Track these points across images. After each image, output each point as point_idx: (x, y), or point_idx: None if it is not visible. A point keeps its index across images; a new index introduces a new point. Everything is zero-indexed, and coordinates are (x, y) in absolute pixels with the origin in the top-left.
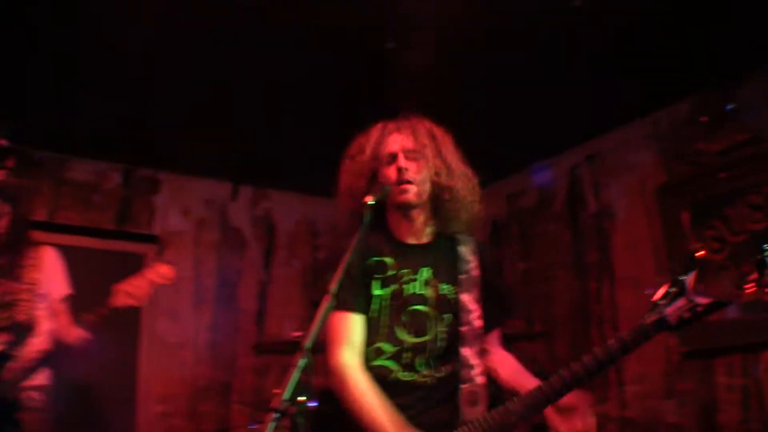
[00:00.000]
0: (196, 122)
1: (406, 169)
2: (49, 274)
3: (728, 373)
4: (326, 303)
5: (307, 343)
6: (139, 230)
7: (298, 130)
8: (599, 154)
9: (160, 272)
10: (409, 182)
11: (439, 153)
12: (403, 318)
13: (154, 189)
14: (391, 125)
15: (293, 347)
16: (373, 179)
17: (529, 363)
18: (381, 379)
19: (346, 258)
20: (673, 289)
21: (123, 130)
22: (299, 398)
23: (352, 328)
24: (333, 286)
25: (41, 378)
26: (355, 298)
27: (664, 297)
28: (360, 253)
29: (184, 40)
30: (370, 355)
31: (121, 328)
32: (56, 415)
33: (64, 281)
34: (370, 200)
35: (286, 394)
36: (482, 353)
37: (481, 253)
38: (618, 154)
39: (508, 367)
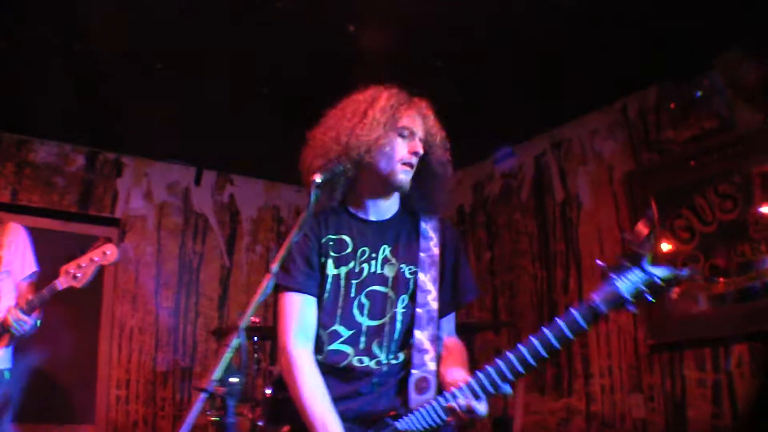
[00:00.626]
0: (160, 106)
1: (418, 155)
2: (14, 251)
3: (698, 367)
4: (266, 282)
5: (242, 323)
6: (102, 213)
7: (262, 115)
8: (565, 141)
9: (105, 253)
10: (411, 167)
11: (437, 142)
12: (362, 299)
13: (117, 172)
14: (413, 101)
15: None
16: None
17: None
18: (335, 363)
19: (291, 236)
20: (627, 263)
21: (87, 112)
22: (231, 379)
23: (304, 310)
24: (274, 265)
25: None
26: (307, 279)
27: (617, 270)
28: (316, 230)
29: (150, 21)
30: (326, 338)
31: (83, 312)
32: (14, 398)
33: (29, 258)
34: (317, 178)
35: (216, 375)
36: (436, 339)
37: (443, 230)
38: (585, 141)
39: (449, 359)
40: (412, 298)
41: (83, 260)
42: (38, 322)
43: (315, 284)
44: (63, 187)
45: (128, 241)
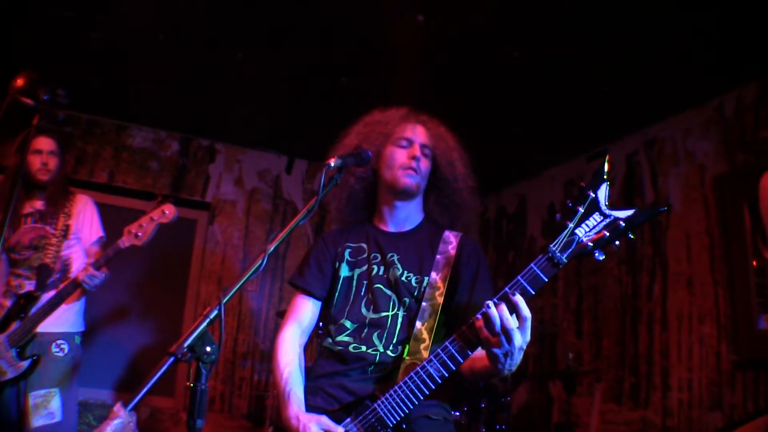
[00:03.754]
0: (254, 96)
1: (419, 158)
2: (82, 220)
3: None
4: (259, 260)
5: (224, 298)
6: (193, 197)
7: (350, 105)
8: (658, 140)
9: (164, 212)
10: (414, 170)
11: (447, 156)
12: (369, 296)
13: (210, 158)
14: (412, 114)
15: None
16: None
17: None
18: (340, 351)
19: (296, 219)
20: (582, 208)
21: (182, 101)
22: (207, 348)
23: (303, 308)
24: (271, 246)
25: (68, 324)
26: (315, 281)
27: (570, 217)
28: (337, 239)
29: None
30: (334, 331)
31: (170, 289)
32: (82, 362)
33: (96, 225)
34: (332, 162)
35: (187, 342)
36: (432, 330)
37: (463, 241)
38: (677, 141)
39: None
40: (417, 299)
41: (144, 220)
42: (105, 276)
43: (321, 287)
44: (157, 171)
45: (217, 224)
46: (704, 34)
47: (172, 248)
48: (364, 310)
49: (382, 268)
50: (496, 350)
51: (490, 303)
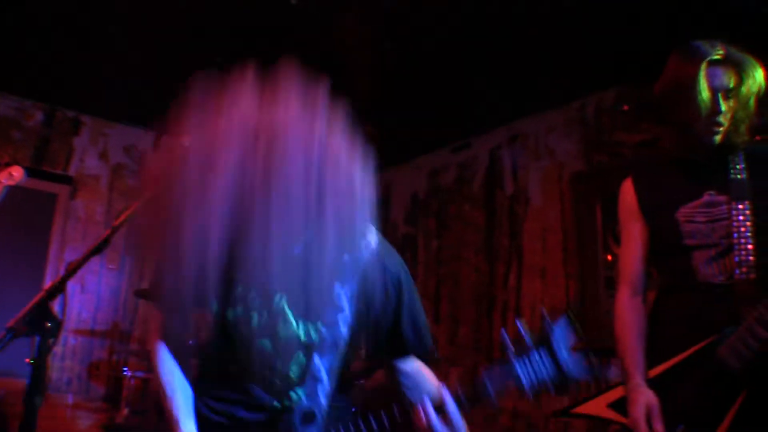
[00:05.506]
0: (122, 68)
1: None
2: None
3: None
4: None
5: (67, 274)
6: (55, 170)
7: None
8: (522, 136)
9: (11, 174)
10: None
11: None
12: None
13: (74, 130)
14: None
15: None
16: None
17: None
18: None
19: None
20: (535, 345)
21: (49, 69)
22: (48, 324)
23: None
24: (117, 222)
25: None
26: None
27: (521, 350)
28: None
29: None
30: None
31: (28, 260)
32: None
33: None
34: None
35: (27, 317)
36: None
37: None
38: (540, 137)
39: None
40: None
41: None
42: None
43: None
44: (19, 141)
45: (79, 199)
46: (572, 40)
47: (30, 223)
48: None
49: None
50: None
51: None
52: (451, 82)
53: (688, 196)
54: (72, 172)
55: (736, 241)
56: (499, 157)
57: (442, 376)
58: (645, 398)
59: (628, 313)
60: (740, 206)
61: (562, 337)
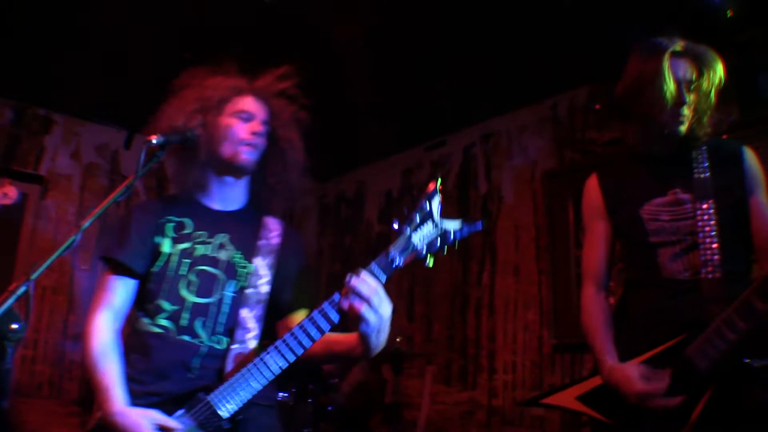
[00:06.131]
0: (95, 66)
1: (261, 134)
2: None
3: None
4: (72, 236)
5: (34, 274)
6: (25, 169)
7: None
8: (495, 134)
9: (5, 194)
10: (254, 147)
11: (284, 135)
12: (190, 277)
13: (45, 129)
14: (252, 85)
15: None
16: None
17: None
18: (160, 335)
19: (112, 195)
20: (418, 217)
21: (19, 66)
22: (12, 326)
23: (119, 288)
24: (85, 222)
25: None
26: (133, 256)
27: (407, 224)
28: (159, 211)
29: None
30: (150, 311)
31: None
32: None
33: None
34: (153, 139)
35: None
36: (261, 319)
37: (287, 230)
38: (513, 136)
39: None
40: (243, 283)
41: None
42: None
43: (143, 263)
44: None
45: (50, 199)
46: (544, 38)
47: None
48: (184, 292)
49: (209, 248)
50: (366, 328)
51: (350, 276)
52: (425, 80)
53: (652, 194)
54: (43, 171)
55: (701, 240)
56: (473, 156)
57: (418, 373)
58: (630, 371)
59: (594, 307)
60: (704, 206)
61: (438, 207)
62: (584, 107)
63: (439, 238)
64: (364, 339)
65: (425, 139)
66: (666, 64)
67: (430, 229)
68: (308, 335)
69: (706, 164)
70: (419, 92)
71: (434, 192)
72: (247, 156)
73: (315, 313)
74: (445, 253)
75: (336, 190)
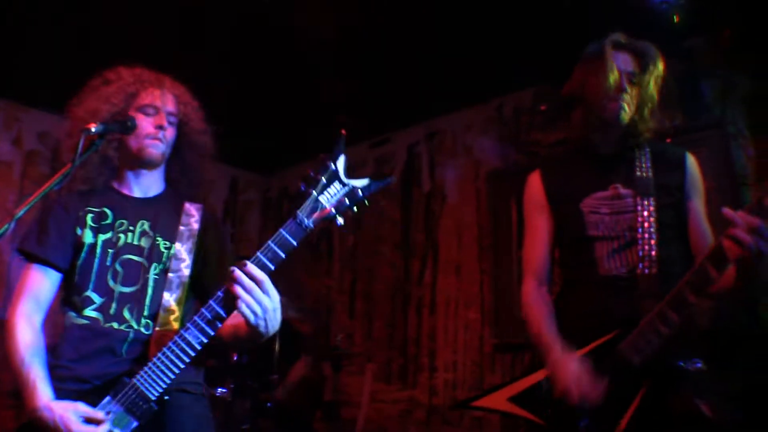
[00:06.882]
0: (40, 50)
1: (166, 128)
2: None
3: None
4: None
5: None
6: None
7: None
8: (440, 133)
9: None
10: (160, 140)
11: (192, 125)
12: (116, 267)
13: None
14: (159, 79)
15: None
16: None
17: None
18: (89, 326)
19: (46, 185)
20: (324, 178)
21: None
22: None
23: (40, 282)
24: (19, 210)
25: None
26: (54, 250)
27: (313, 186)
28: (76, 203)
29: None
30: (77, 304)
31: None
32: None
33: None
34: (93, 127)
35: None
36: (183, 301)
37: (206, 215)
38: (458, 135)
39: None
40: (165, 267)
41: None
42: None
43: (63, 257)
44: None
45: None
46: (491, 39)
47: None
48: (111, 282)
49: (130, 236)
50: (250, 317)
51: (235, 268)
52: (371, 77)
53: (594, 188)
54: None
55: (640, 236)
56: (417, 154)
57: (358, 371)
58: (572, 366)
59: (536, 301)
60: (645, 202)
61: (343, 166)
62: (530, 108)
63: (347, 197)
64: (253, 328)
65: (370, 136)
66: (608, 54)
67: (338, 188)
68: (214, 318)
69: (649, 165)
70: (365, 89)
71: (338, 152)
72: (153, 150)
73: (204, 308)
74: (356, 210)
75: (280, 185)
